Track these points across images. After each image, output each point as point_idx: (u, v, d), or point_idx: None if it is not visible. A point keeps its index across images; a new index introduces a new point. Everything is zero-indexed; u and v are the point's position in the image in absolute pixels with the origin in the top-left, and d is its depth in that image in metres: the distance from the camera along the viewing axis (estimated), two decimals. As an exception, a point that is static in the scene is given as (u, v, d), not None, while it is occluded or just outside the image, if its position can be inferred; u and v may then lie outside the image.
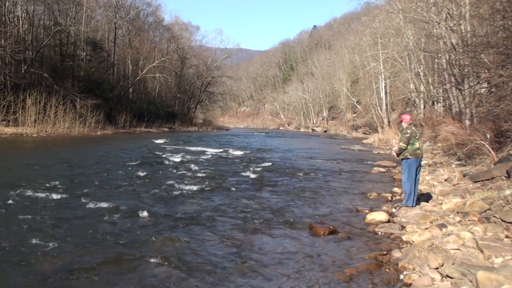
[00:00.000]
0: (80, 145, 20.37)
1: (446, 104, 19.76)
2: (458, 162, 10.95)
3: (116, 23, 43.30)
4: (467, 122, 13.31)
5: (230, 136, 37.06)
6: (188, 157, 15.07)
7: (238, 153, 17.99)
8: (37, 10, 31.89)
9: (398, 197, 8.13)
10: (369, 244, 5.18)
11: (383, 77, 33.20)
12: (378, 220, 6.11)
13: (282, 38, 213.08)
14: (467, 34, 13.59)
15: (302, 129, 70.27)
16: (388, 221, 6.12)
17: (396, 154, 7.06)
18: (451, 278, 3.73)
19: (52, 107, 26.68)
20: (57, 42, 33.89)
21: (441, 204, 6.76)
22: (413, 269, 4.15)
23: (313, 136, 45.59)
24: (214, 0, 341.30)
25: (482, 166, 9.24)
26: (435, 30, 15.70)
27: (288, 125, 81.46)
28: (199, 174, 10.72)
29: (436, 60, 19.19)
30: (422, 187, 8.42)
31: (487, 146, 9.34)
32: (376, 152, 19.99)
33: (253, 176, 10.80)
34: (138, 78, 43.43)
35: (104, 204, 6.60)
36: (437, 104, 22.25)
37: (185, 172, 11.14)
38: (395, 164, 13.24)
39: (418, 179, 6.96)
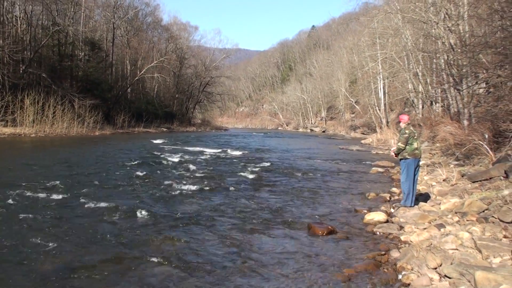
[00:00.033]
0: (79, 145, 20.34)
1: (444, 104, 19.78)
2: (456, 162, 10.97)
3: (115, 23, 43.23)
4: (466, 122, 13.35)
5: (229, 136, 37.04)
6: (187, 157, 15.07)
7: (237, 153, 17.99)
8: (35, 10, 31.81)
9: (396, 197, 8.14)
10: (368, 244, 5.20)
11: (381, 77, 33.25)
12: (377, 220, 6.13)
13: (280, 38, 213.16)
14: (465, 34, 13.62)
15: (300, 129, 70.20)
16: (387, 221, 6.14)
17: (395, 154, 7.09)
18: (450, 278, 3.75)
19: (50, 107, 26.64)
20: (55, 42, 33.85)
21: (440, 204, 6.78)
22: (412, 269, 4.16)
23: (311, 136, 45.61)
24: (212, 0, 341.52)
25: (481, 166, 9.26)
26: (433, 30, 15.74)
27: (287, 125, 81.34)
28: (198, 174, 10.73)
29: (434, 60, 19.25)
30: (421, 187, 8.43)
31: (485, 146, 9.36)
32: (374, 152, 20.02)
33: (251, 176, 10.81)
34: (137, 78, 43.38)
35: (103, 204, 6.62)
36: (436, 104, 22.28)
37: (184, 172, 11.15)
38: (393, 164, 13.27)
39: (417, 179, 6.97)
